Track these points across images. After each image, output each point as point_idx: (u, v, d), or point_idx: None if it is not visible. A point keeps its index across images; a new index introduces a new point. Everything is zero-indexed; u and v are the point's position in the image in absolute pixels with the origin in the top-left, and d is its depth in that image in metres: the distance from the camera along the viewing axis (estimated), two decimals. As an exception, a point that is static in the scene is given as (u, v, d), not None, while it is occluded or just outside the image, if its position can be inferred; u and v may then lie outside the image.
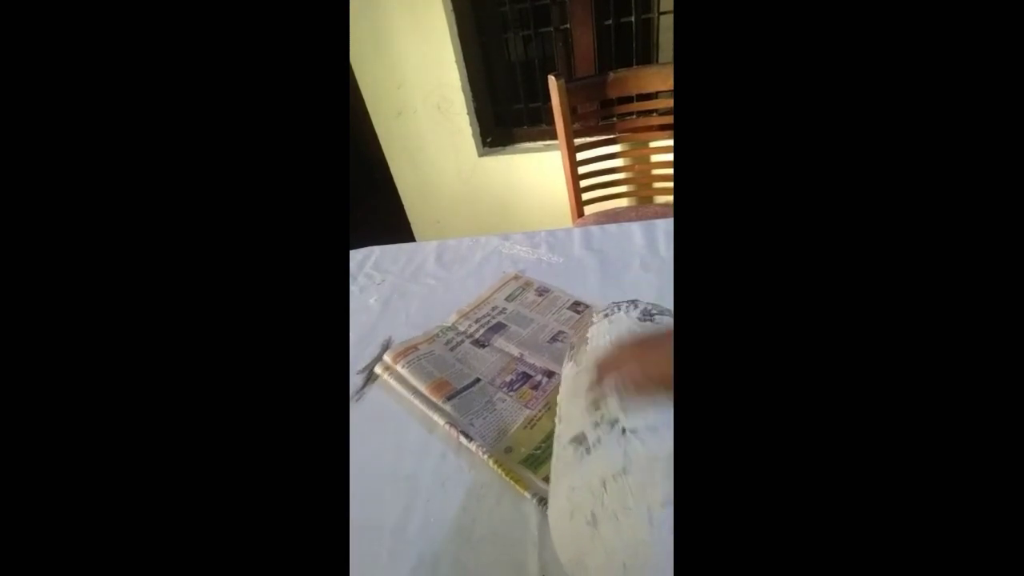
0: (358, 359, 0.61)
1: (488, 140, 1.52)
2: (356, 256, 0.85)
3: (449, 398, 0.52)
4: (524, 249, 0.78)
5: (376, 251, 0.86)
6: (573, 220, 1.23)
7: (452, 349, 0.60)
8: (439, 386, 0.54)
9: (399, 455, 0.48)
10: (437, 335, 0.63)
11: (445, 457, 0.47)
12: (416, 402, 0.53)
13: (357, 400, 0.56)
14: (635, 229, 0.76)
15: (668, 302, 0.58)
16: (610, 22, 1.26)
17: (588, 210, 1.24)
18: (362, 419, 0.53)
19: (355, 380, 0.58)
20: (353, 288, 0.77)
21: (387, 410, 0.54)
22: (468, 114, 1.45)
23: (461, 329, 0.63)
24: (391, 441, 0.50)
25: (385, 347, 0.62)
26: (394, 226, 1.80)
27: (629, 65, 1.26)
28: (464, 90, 1.41)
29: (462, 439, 0.48)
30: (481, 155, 1.52)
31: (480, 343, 0.61)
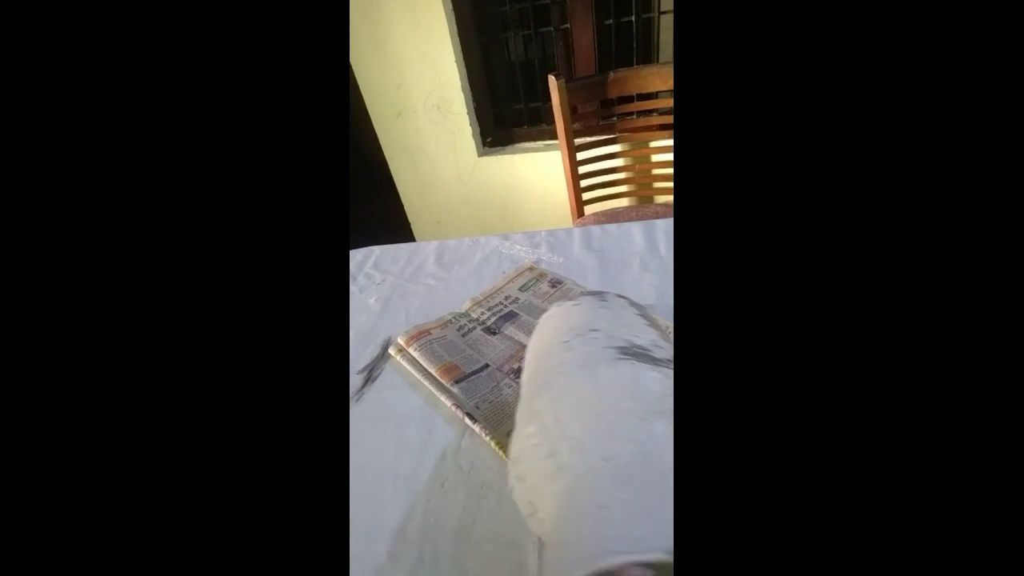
0: (358, 359, 0.61)
1: (488, 140, 1.52)
2: (356, 256, 0.85)
3: (457, 381, 0.54)
4: (524, 249, 0.78)
5: (376, 251, 0.86)
6: (573, 220, 1.23)
7: (464, 335, 0.62)
8: (448, 369, 0.56)
9: (399, 455, 0.48)
10: (450, 321, 0.64)
11: (445, 457, 0.47)
12: (426, 383, 0.55)
13: (357, 400, 0.56)
14: (635, 229, 0.76)
15: (668, 302, 0.59)
16: (610, 22, 1.26)
17: (588, 210, 1.24)
18: (362, 419, 0.53)
19: (355, 380, 0.58)
20: (353, 288, 0.77)
21: (387, 410, 0.54)
22: (468, 114, 1.45)
23: (474, 316, 0.65)
24: (391, 441, 0.50)
25: (385, 347, 0.62)
26: (394, 226, 1.80)
27: (629, 65, 1.26)
28: (464, 90, 1.41)
29: (467, 420, 0.49)
30: (481, 155, 1.52)
31: (491, 330, 0.62)
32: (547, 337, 0.42)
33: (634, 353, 0.32)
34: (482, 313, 0.65)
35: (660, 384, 0.29)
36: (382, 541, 0.41)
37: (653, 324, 0.42)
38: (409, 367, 0.58)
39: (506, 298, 0.68)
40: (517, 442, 0.31)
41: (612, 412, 0.27)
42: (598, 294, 0.46)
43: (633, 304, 0.45)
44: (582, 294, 0.47)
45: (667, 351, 0.35)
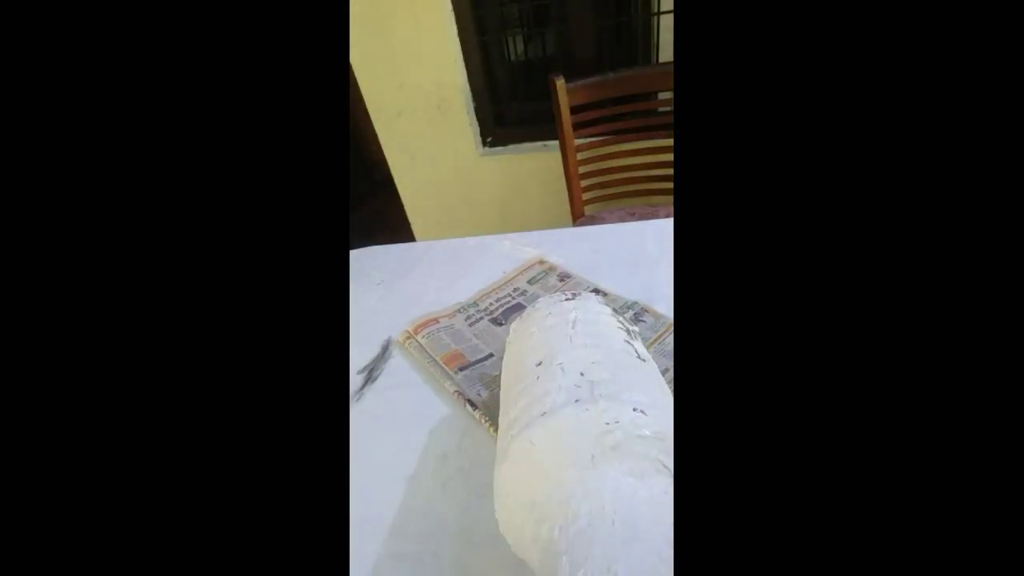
0: (358, 359, 0.61)
1: (488, 140, 1.52)
2: (356, 256, 0.85)
3: (461, 369, 0.55)
4: (524, 249, 0.78)
5: (376, 251, 0.86)
6: (573, 220, 1.23)
7: (471, 325, 0.63)
8: (453, 357, 0.57)
9: (399, 455, 0.48)
10: (458, 311, 0.66)
11: (446, 457, 0.47)
12: (431, 370, 0.57)
13: (357, 400, 0.56)
14: (635, 229, 0.76)
15: (668, 301, 0.59)
16: (611, 22, 1.26)
17: (588, 210, 1.24)
18: (362, 419, 0.53)
19: (355, 380, 0.58)
20: (353, 288, 0.77)
21: (388, 410, 0.54)
22: (468, 114, 1.45)
23: (482, 307, 0.67)
24: (391, 441, 0.50)
25: (385, 347, 0.62)
26: (394, 226, 1.80)
27: (629, 65, 1.26)
28: (464, 90, 1.41)
29: (468, 407, 0.51)
30: (481, 155, 1.52)
31: (498, 321, 0.63)
32: (511, 365, 0.43)
33: (587, 393, 0.33)
34: (490, 304, 0.67)
35: (597, 420, 0.30)
36: (382, 541, 0.41)
37: (619, 321, 0.43)
38: (416, 354, 0.59)
39: (514, 290, 0.68)
40: (499, 511, 0.33)
41: (558, 469, 0.29)
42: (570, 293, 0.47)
43: (601, 303, 0.46)
44: (550, 295, 0.48)
45: (613, 365, 0.36)
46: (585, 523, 0.25)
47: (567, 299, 0.46)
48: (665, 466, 0.28)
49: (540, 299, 0.47)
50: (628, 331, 0.43)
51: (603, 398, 0.32)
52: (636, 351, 0.39)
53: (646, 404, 0.32)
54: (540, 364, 0.38)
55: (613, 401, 0.31)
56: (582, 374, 0.35)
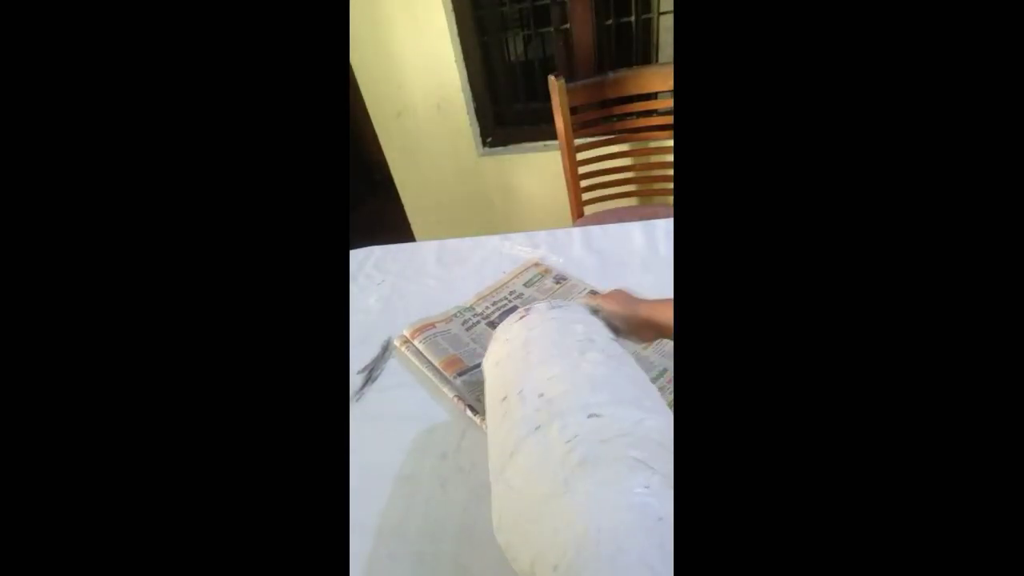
0: (358, 359, 0.61)
1: (488, 140, 1.51)
2: (356, 256, 0.85)
3: (460, 374, 0.55)
4: (524, 249, 0.78)
5: (376, 251, 0.86)
6: (573, 220, 1.23)
7: (468, 329, 0.63)
8: (451, 362, 0.57)
9: (399, 455, 0.48)
10: (455, 315, 0.66)
11: (445, 457, 0.47)
12: (429, 375, 0.57)
13: (357, 400, 0.56)
14: (635, 229, 0.76)
15: (668, 302, 0.59)
16: (610, 22, 1.26)
17: (588, 210, 1.23)
18: (362, 419, 0.53)
19: (355, 380, 0.58)
20: (353, 288, 0.77)
21: (387, 410, 0.54)
22: (468, 114, 1.45)
23: (478, 311, 0.67)
24: (391, 441, 0.50)
25: (385, 347, 0.62)
26: (394, 226, 1.80)
27: (629, 65, 1.26)
28: (464, 90, 1.41)
29: (468, 412, 0.51)
30: (481, 155, 1.52)
31: (494, 325, 0.63)
32: (487, 404, 0.43)
33: (545, 415, 0.33)
34: (486, 308, 0.67)
35: (558, 440, 0.30)
36: (382, 541, 0.41)
37: (574, 315, 0.44)
38: (413, 359, 0.59)
39: (511, 293, 0.68)
40: (506, 553, 0.33)
41: (538, 504, 0.29)
42: (553, 306, 0.47)
43: (581, 311, 0.46)
44: (530, 308, 0.48)
45: (569, 370, 0.36)
46: (574, 554, 0.26)
47: (521, 318, 0.46)
48: (637, 460, 0.28)
49: (499, 325, 0.48)
50: (589, 311, 0.44)
51: (558, 416, 0.32)
52: (587, 336, 0.40)
53: (601, 403, 0.32)
54: (505, 399, 0.38)
55: (567, 416, 0.31)
56: (541, 395, 0.35)
